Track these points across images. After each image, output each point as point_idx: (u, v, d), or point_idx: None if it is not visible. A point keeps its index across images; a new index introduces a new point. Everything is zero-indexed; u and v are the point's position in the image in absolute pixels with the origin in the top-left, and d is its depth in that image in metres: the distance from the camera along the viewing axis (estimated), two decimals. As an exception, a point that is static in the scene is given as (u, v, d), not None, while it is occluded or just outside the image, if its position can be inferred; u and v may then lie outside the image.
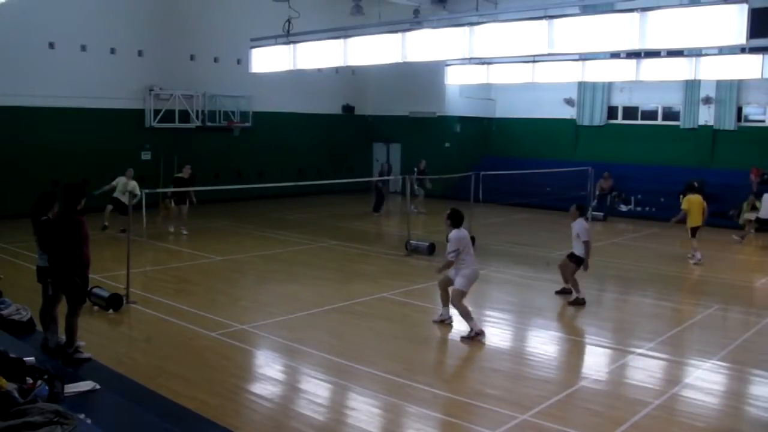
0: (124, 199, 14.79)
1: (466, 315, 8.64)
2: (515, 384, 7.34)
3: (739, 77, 18.50)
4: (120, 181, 15.64)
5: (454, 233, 8.82)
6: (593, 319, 10.03)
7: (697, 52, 15.99)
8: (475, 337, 8.56)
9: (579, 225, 10.38)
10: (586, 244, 10.23)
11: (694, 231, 14.09)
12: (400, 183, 22.70)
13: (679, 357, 8.44)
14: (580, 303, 10.32)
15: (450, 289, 8.92)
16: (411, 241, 14.45)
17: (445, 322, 9.20)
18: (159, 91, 20.89)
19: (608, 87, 23.79)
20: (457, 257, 8.71)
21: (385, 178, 21.22)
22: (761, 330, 9.45)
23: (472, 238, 15.46)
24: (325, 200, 23.19)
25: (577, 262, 10.40)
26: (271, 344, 8.62)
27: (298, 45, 13.89)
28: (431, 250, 14.28)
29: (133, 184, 15.24)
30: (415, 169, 21.04)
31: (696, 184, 15.35)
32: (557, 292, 10.89)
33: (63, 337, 7.39)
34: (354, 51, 12.77)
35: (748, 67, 15.84)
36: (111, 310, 9.56)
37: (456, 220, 8.88)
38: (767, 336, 9.27)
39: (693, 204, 14.11)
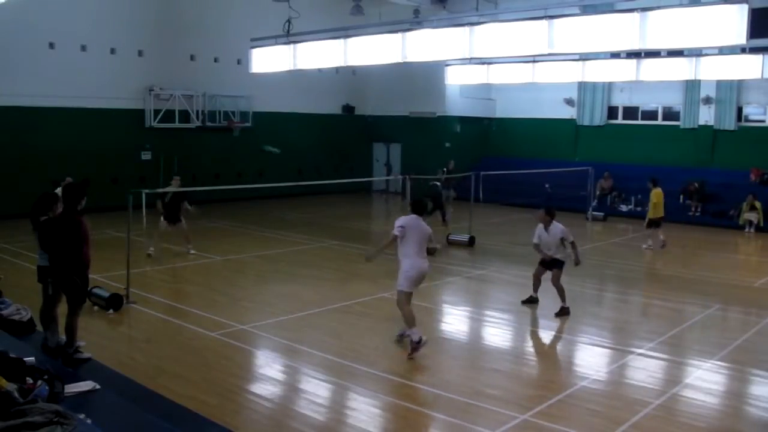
0: None
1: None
2: (515, 384, 7.34)
3: (739, 77, 18.51)
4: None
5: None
6: (593, 319, 10.03)
7: (697, 52, 15.99)
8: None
9: (559, 228, 9.82)
10: (575, 244, 9.86)
11: (659, 222, 15.35)
12: (400, 183, 22.69)
13: (679, 357, 8.44)
14: (565, 313, 9.84)
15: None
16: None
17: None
18: (159, 91, 20.90)
19: (608, 87, 23.78)
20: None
21: (443, 176, 19.31)
22: (761, 330, 9.45)
23: (472, 238, 15.68)
24: (325, 200, 23.19)
25: (561, 267, 9.96)
26: (271, 344, 8.62)
27: (298, 45, 13.89)
28: (431, 250, 14.24)
29: None
30: (444, 170, 20.94)
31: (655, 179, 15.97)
32: (524, 302, 10.42)
33: (63, 337, 7.39)
34: (354, 51, 12.77)
35: (748, 67, 15.84)
36: (111, 310, 9.56)
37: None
38: (767, 336, 9.27)
39: (660, 197, 15.33)
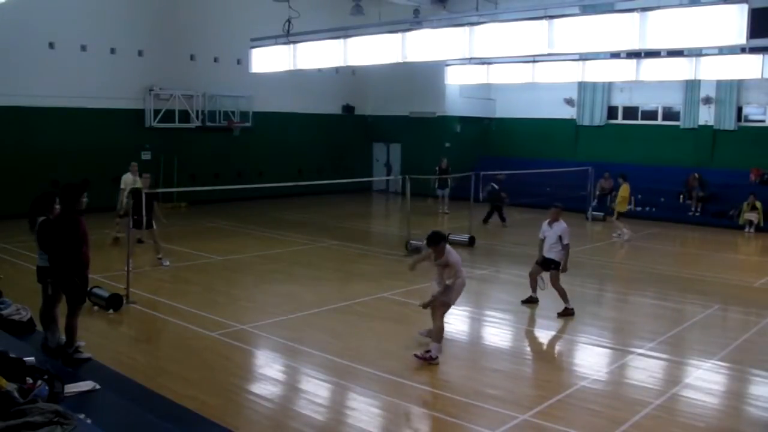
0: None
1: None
2: (515, 384, 7.35)
3: (739, 77, 18.51)
4: (127, 180, 14.11)
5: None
6: (593, 319, 10.03)
7: (697, 52, 15.99)
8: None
9: (562, 226, 9.84)
10: (568, 247, 9.85)
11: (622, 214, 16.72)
12: (400, 183, 22.69)
13: (679, 357, 8.45)
14: (569, 314, 9.79)
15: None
16: (411, 241, 14.44)
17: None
18: (159, 91, 20.90)
19: (608, 87, 23.78)
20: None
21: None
22: (761, 330, 9.45)
23: (472, 238, 15.69)
24: (325, 200, 23.19)
25: (557, 267, 9.90)
26: (271, 344, 8.62)
27: (298, 45, 13.89)
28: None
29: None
30: (437, 168, 20.97)
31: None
32: (524, 302, 10.39)
33: (63, 337, 7.39)
34: (354, 51, 12.76)
35: (748, 67, 15.84)
36: (111, 310, 9.56)
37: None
38: (767, 336, 9.27)
39: (627, 192, 16.69)
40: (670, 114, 23.09)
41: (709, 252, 16.20)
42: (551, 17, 9.81)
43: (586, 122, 24.32)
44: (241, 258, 13.81)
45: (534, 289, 10.37)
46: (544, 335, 9.47)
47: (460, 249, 15.05)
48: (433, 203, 21.51)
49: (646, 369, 7.83)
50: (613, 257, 14.91)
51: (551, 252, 9.93)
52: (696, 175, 20.48)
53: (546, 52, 10.17)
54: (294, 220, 19.09)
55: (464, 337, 9.50)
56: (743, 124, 21.59)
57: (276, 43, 14.39)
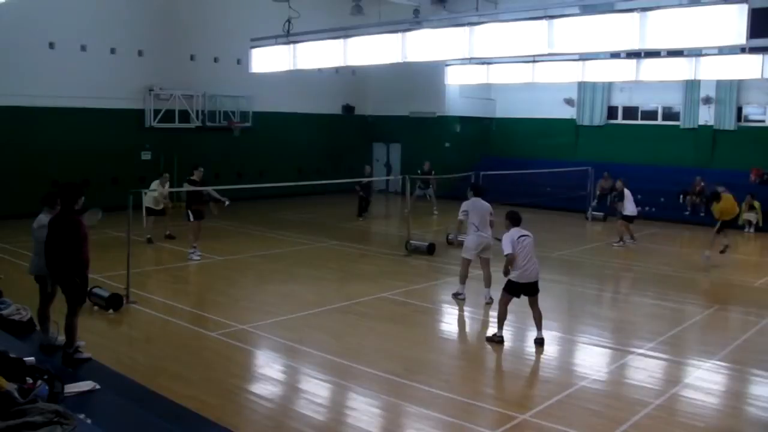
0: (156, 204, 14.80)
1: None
2: (515, 384, 7.35)
3: (739, 77, 18.52)
4: (155, 186, 14.98)
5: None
6: (593, 319, 10.03)
7: (697, 52, 15.99)
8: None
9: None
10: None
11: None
12: (400, 183, 22.69)
13: (679, 357, 8.44)
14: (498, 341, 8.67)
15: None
16: (411, 241, 14.45)
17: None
18: (159, 91, 20.89)
19: (608, 87, 23.79)
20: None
21: (366, 179, 20.04)
22: (761, 330, 9.45)
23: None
24: (325, 200, 23.19)
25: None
26: (271, 344, 8.62)
27: (298, 45, 13.90)
28: (431, 250, 14.27)
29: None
30: (419, 171, 21.00)
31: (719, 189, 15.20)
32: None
33: (63, 337, 7.39)
34: (354, 51, 12.77)
35: (748, 67, 15.85)
36: (111, 310, 9.56)
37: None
38: (767, 336, 9.27)
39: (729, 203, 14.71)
40: (670, 114, 23.10)
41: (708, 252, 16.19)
42: (551, 17, 9.81)
43: (586, 122, 24.33)
44: (241, 258, 13.81)
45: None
46: (544, 335, 9.44)
47: (460, 249, 15.07)
48: (422, 203, 21.41)
49: (646, 369, 7.83)
50: (613, 257, 14.90)
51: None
52: (702, 183, 20.20)
53: (546, 52, 10.17)
54: (294, 220, 19.10)
55: (464, 337, 9.51)
56: (743, 124, 21.59)
57: (276, 43, 14.39)
